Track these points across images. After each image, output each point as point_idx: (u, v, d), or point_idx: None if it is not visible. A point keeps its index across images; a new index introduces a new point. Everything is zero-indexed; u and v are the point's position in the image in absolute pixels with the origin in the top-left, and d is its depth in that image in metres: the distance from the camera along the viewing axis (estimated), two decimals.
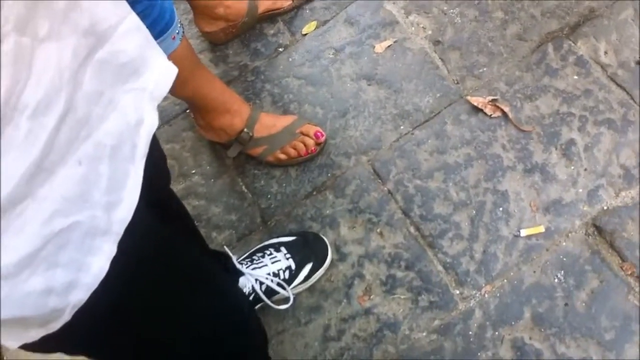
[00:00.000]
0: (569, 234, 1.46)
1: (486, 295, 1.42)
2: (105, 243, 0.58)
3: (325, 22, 1.91)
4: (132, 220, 0.61)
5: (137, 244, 0.63)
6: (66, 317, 0.58)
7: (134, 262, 0.64)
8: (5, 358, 1.31)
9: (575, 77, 1.65)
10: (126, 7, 0.61)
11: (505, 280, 1.43)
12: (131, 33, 0.61)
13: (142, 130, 0.61)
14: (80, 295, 0.58)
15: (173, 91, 1.57)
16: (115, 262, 0.59)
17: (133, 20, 0.61)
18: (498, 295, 1.42)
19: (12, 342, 0.58)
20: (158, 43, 1.41)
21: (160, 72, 0.64)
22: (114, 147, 0.58)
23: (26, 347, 0.63)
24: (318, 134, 1.64)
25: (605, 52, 1.67)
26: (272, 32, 1.94)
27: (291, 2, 1.94)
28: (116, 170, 0.58)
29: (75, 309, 0.58)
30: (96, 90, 0.55)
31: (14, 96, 0.46)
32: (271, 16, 1.95)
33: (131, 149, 0.60)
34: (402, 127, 1.67)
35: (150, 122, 0.62)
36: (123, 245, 0.60)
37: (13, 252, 0.50)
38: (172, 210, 1.22)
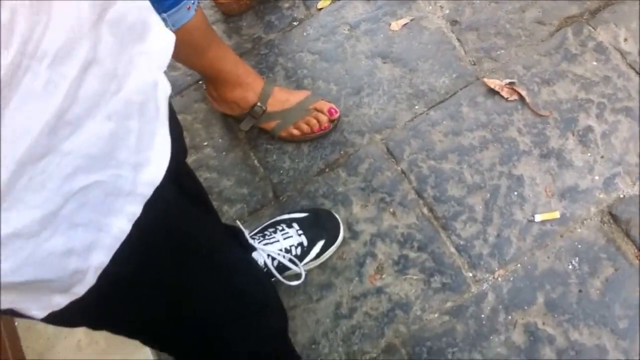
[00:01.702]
0: (584, 221, 1.45)
1: (499, 279, 1.41)
2: (129, 204, 0.57)
3: None
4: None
5: (158, 210, 0.61)
6: (90, 279, 0.57)
7: (156, 229, 0.63)
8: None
9: (594, 63, 1.63)
10: None
11: (518, 265, 1.42)
12: None
13: (159, 92, 0.60)
14: (101, 257, 0.57)
15: (187, 61, 1.55)
16: (136, 228, 0.58)
17: None
18: (511, 279, 1.41)
19: (37, 312, 0.58)
20: (172, 13, 1.39)
21: (161, 40, 0.62)
22: (141, 104, 0.57)
23: (51, 321, 0.62)
24: (332, 110, 1.62)
25: (625, 39, 1.65)
26: (286, 5, 1.91)
27: None
28: (144, 128, 0.57)
29: (99, 272, 0.58)
30: (116, 47, 0.54)
31: (32, 43, 0.45)
32: None
33: (155, 108, 0.59)
34: (416, 107, 1.66)
35: (164, 87, 0.61)
36: (144, 211, 0.59)
37: (35, 209, 0.49)
38: (189, 183, 1.21)
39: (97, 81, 0.51)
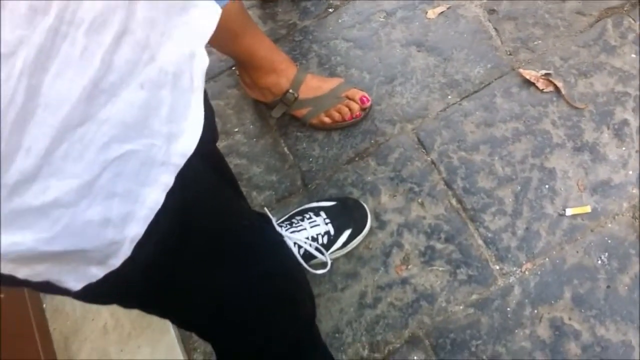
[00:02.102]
0: (616, 216, 1.43)
1: (526, 273, 1.40)
2: (162, 174, 0.58)
3: None
4: (186, 163, 0.60)
5: (191, 183, 0.63)
6: (125, 251, 0.58)
7: (189, 201, 0.64)
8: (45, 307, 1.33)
9: (633, 55, 1.60)
10: None
11: (546, 259, 1.41)
12: None
13: (195, 64, 0.60)
14: (137, 229, 0.58)
15: (221, 46, 1.56)
16: (170, 199, 0.59)
17: None
18: (539, 273, 1.40)
19: (74, 283, 0.58)
20: None
21: (205, 13, 0.63)
22: (175, 75, 0.57)
23: (83, 297, 0.64)
24: (364, 98, 1.62)
25: None
26: None
27: None
28: (178, 99, 0.58)
29: (134, 243, 0.59)
30: (150, 18, 0.54)
31: (70, 10, 0.47)
32: None
33: (189, 80, 0.60)
34: (449, 97, 1.64)
35: (201, 59, 0.61)
36: (177, 183, 0.60)
37: (74, 178, 0.50)
38: (220, 166, 1.22)
39: (130, 50, 0.52)
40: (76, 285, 0.59)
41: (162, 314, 0.92)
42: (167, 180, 0.59)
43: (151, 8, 0.54)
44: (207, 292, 0.82)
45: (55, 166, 0.48)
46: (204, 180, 0.76)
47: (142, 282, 0.66)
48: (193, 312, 0.87)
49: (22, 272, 0.53)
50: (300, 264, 1.40)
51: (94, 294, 0.61)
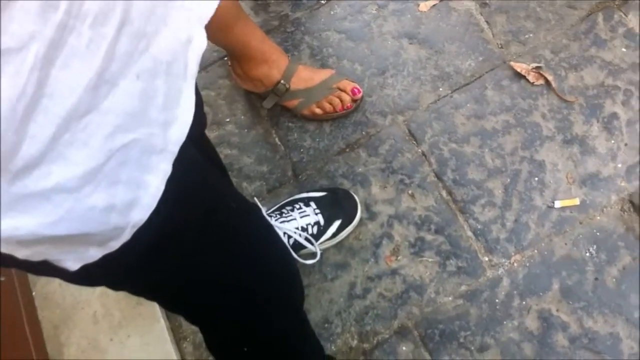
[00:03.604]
0: (604, 209, 1.44)
1: (515, 265, 1.41)
2: (161, 162, 0.59)
3: None
4: (181, 148, 0.61)
5: (185, 168, 0.63)
6: (126, 235, 0.59)
7: (183, 186, 0.65)
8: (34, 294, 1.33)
9: (624, 49, 1.61)
10: None
11: (535, 251, 1.42)
12: None
13: (191, 49, 0.61)
14: (140, 215, 0.59)
15: (213, 37, 1.55)
16: (167, 185, 0.60)
17: None
18: (527, 265, 1.40)
19: (72, 263, 0.59)
20: None
21: None
22: (169, 63, 0.58)
23: (75, 279, 0.64)
24: (355, 90, 1.62)
25: None
26: None
27: None
28: (171, 87, 0.59)
29: (135, 229, 0.59)
30: (149, 5, 0.55)
31: (76, 4, 0.47)
32: None
33: (183, 67, 0.60)
34: (441, 89, 1.64)
35: (199, 43, 0.62)
36: (174, 169, 0.61)
37: (77, 165, 0.51)
38: (211, 153, 1.22)
39: (127, 41, 0.53)
40: (74, 265, 0.59)
41: (151, 296, 0.92)
42: (166, 167, 0.60)
43: None
44: (196, 274, 0.82)
45: (57, 153, 0.49)
46: (196, 164, 0.76)
47: (135, 263, 0.67)
48: (182, 295, 0.87)
49: (21, 253, 0.54)
50: (289, 249, 1.40)
51: (88, 273, 0.62)
